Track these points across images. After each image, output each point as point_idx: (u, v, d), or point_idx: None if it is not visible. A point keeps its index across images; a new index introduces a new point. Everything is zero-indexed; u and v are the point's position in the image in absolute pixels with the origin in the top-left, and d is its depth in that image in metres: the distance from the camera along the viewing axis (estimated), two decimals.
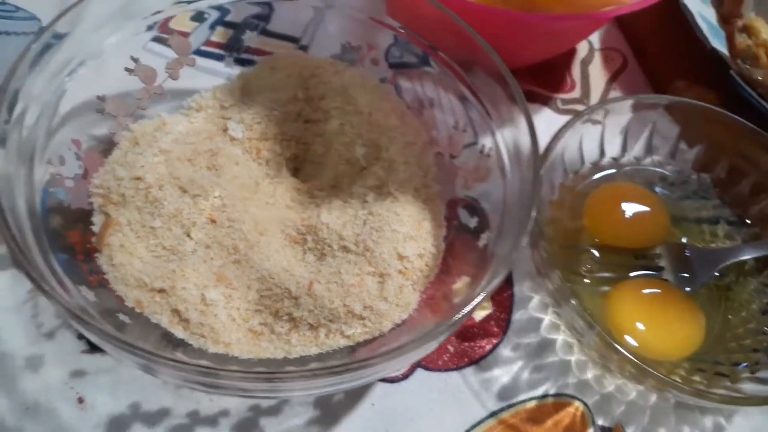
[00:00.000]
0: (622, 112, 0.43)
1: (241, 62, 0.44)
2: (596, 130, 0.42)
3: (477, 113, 0.39)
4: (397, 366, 0.29)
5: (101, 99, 0.37)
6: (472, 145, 0.40)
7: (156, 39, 0.39)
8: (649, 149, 0.44)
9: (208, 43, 0.45)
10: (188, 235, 0.34)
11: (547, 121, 0.49)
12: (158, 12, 0.39)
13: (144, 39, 0.39)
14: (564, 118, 0.49)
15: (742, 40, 0.43)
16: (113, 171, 0.36)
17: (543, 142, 0.47)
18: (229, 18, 0.44)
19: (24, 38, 0.46)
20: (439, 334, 0.27)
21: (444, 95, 0.43)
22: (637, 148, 0.44)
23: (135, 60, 0.38)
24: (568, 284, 0.37)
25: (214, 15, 0.43)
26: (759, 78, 0.43)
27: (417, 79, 0.44)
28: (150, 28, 0.39)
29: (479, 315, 0.40)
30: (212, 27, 0.44)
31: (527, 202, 0.32)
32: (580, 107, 0.50)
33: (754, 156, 0.41)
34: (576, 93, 0.51)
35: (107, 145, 0.38)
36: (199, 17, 0.42)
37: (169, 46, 0.39)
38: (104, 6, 0.36)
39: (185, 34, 0.41)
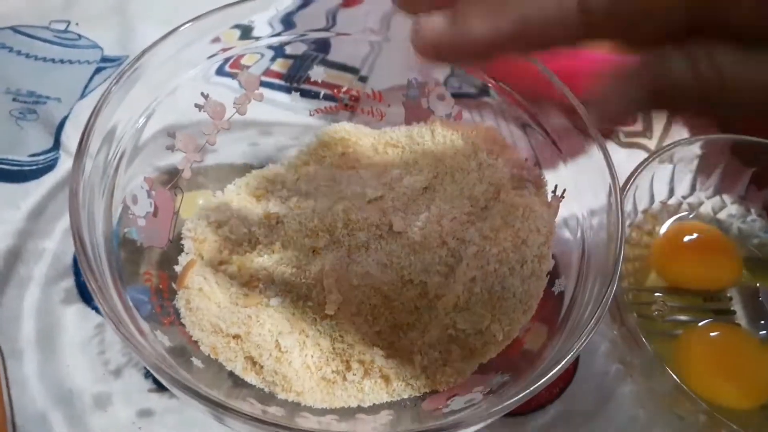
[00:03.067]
0: (692, 152, 0.42)
1: (306, 94, 0.44)
2: (666, 170, 0.42)
3: (543, 146, 0.39)
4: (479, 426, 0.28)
5: (171, 135, 0.37)
6: None
7: (223, 73, 0.39)
8: (720, 188, 0.43)
9: (268, 72, 0.45)
10: (272, 283, 0.34)
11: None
12: (226, 49, 0.39)
13: (212, 74, 0.39)
14: (626, 152, 0.49)
15: None
16: (207, 216, 0.36)
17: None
18: (288, 51, 0.43)
19: (86, 66, 0.46)
20: (528, 394, 0.26)
21: (505, 126, 0.42)
22: (707, 187, 0.43)
23: (205, 96, 0.38)
24: (642, 328, 0.36)
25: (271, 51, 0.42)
26: None
27: (476, 110, 0.44)
28: (219, 63, 0.39)
29: None
30: (272, 60, 0.44)
31: (612, 248, 0.31)
32: (642, 141, 0.49)
33: None
34: (638, 126, 0.50)
35: (176, 180, 0.38)
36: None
37: (237, 80, 0.39)
38: (175, 43, 0.36)
39: (248, 67, 0.41)
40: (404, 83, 0.43)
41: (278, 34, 0.40)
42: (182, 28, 0.36)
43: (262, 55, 0.41)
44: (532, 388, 0.26)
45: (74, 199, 0.29)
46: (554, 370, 0.27)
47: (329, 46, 0.43)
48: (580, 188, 0.36)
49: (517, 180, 0.38)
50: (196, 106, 0.38)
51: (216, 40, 0.38)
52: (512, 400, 0.26)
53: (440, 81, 0.42)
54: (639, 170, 0.39)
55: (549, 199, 0.37)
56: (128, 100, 0.34)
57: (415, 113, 0.43)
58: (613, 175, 0.34)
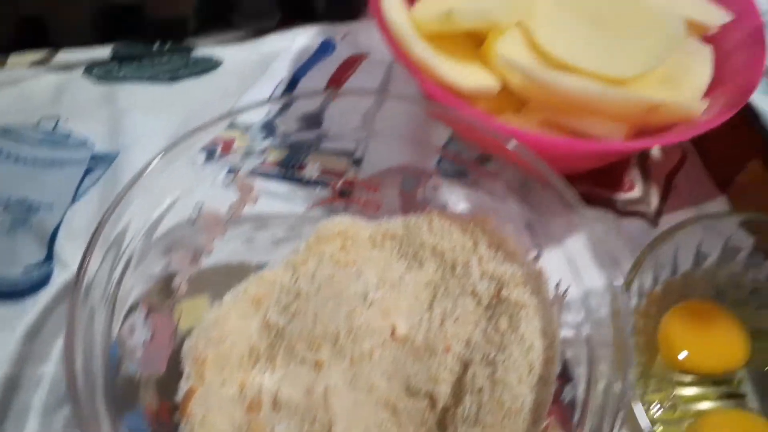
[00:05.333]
0: (696, 228, 0.41)
1: (300, 183, 0.43)
2: (670, 248, 0.41)
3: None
4: None
5: (167, 250, 0.36)
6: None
7: (220, 176, 0.39)
8: (724, 260, 0.42)
9: (262, 163, 0.44)
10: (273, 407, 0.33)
11: (609, 226, 0.48)
12: (223, 150, 0.38)
13: (208, 180, 0.38)
14: (627, 221, 0.48)
15: None
16: (205, 332, 0.35)
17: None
18: (281, 142, 0.43)
19: (77, 167, 0.46)
20: None
21: (501, 201, 0.42)
22: (710, 261, 0.43)
23: (199, 207, 0.37)
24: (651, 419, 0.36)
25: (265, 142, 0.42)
26: None
27: (472, 188, 0.43)
28: (216, 168, 0.38)
29: None
30: (265, 151, 0.43)
31: (620, 343, 0.30)
32: (642, 208, 0.49)
33: None
34: (636, 192, 0.50)
35: (173, 295, 0.37)
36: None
37: (233, 185, 0.39)
38: (168, 159, 0.36)
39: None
40: (399, 165, 0.43)
41: (271, 134, 0.40)
42: (175, 147, 0.35)
43: (254, 150, 0.41)
44: None
45: (71, 324, 0.28)
46: None
47: (322, 137, 0.43)
48: (577, 274, 0.36)
49: (518, 276, 0.37)
50: (190, 221, 0.37)
51: (211, 146, 0.38)
52: None
53: (437, 171, 0.42)
54: (644, 257, 0.38)
55: (552, 295, 0.37)
56: (125, 218, 0.34)
57: (412, 204, 0.42)
58: (614, 257, 0.34)
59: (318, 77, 0.52)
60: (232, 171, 0.40)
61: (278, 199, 0.44)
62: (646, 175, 0.50)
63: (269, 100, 0.46)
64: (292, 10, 0.54)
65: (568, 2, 0.44)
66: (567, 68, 0.41)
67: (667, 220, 0.48)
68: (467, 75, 0.40)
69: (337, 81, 0.52)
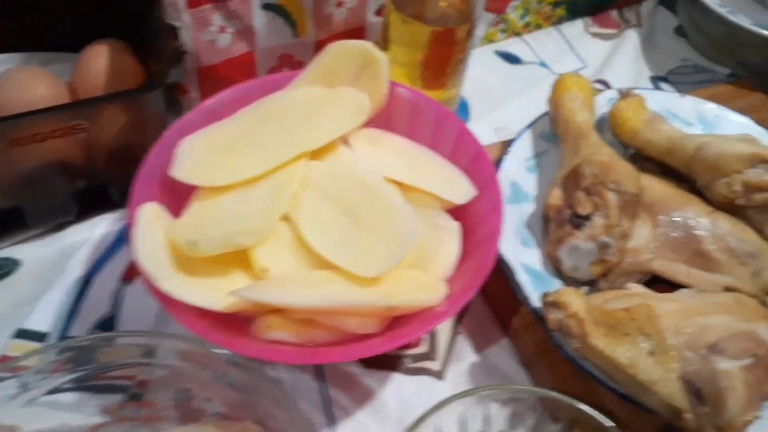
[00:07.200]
0: (457, 403, 0.44)
1: (95, 391, 0.45)
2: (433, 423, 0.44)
3: None
4: None
5: None
6: None
7: None
8: (487, 423, 0.46)
9: (52, 373, 0.45)
10: None
11: (396, 387, 0.51)
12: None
13: None
14: (414, 380, 0.51)
15: (552, 316, 0.46)
16: None
17: (394, 414, 0.49)
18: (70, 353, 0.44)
19: None
20: None
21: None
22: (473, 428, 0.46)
23: None
24: None
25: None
26: (576, 347, 0.45)
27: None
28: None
29: None
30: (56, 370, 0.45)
31: None
32: (427, 364, 0.52)
33: None
34: (424, 347, 0.53)
35: None
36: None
37: None
38: None
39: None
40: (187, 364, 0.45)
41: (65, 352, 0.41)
42: None
43: (45, 369, 0.42)
44: None
45: None
46: None
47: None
48: None
49: None
50: None
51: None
52: None
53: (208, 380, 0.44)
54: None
55: None
56: None
57: (188, 414, 0.44)
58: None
59: (112, 272, 0.54)
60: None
61: (70, 410, 0.45)
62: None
63: (46, 347, 0.48)
64: (88, 204, 0.56)
65: (330, 196, 0.47)
66: (328, 264, 0.44)
67: (453, 371, 0.52)
68: (220, 295, 0.42)
69: (131, 274, 0.54)
